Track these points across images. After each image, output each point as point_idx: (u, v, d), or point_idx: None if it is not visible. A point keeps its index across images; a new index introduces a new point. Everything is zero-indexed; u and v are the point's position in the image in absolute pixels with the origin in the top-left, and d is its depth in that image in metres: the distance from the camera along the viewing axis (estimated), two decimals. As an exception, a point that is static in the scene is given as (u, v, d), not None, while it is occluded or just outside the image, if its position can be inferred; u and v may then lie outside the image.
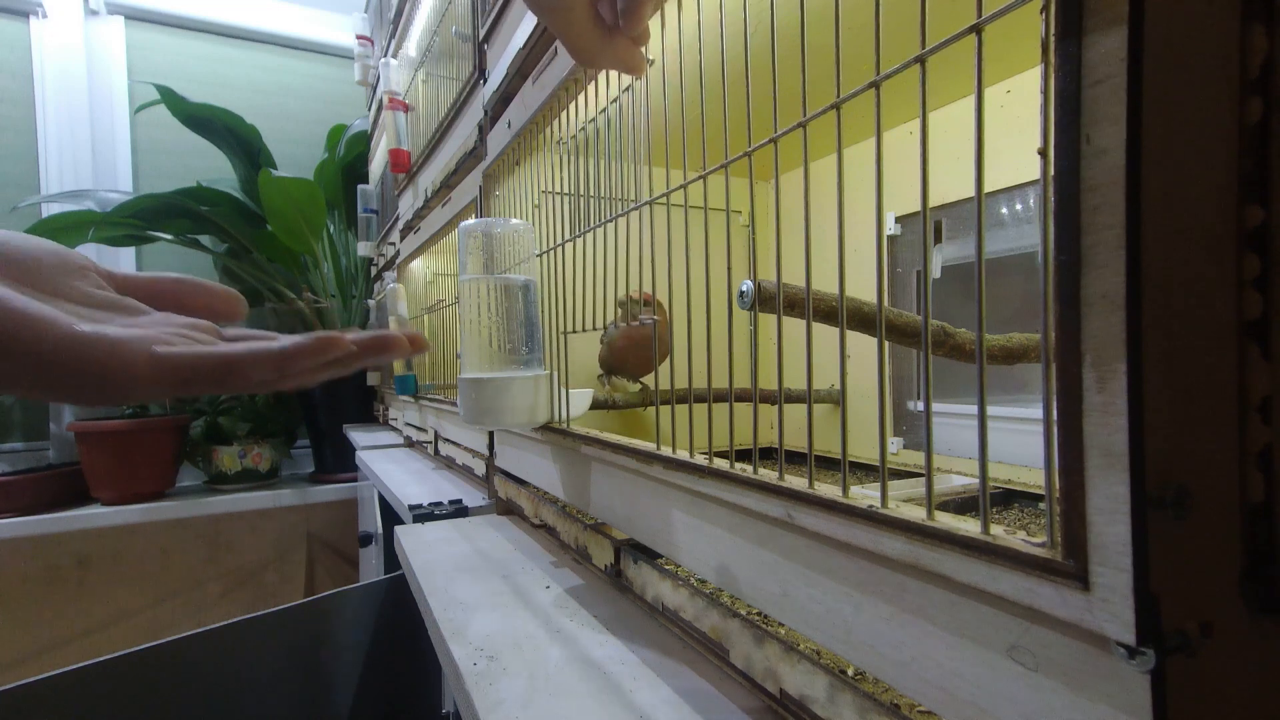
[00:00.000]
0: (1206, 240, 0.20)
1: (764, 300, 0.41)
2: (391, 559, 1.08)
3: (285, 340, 0.26)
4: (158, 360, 0.24)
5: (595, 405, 0.81)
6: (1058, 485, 0.21)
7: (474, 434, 0.95)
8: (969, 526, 0.24)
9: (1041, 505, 0.66)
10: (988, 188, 0.71)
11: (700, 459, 0.40)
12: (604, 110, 0.50)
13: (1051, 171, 0.20)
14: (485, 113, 0.79)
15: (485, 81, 0.79)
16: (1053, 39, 0.20)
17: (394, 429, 1.67)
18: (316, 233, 1.92)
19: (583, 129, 0.53)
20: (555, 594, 0.56)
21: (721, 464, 0.38)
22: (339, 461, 1.91)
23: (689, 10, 0.41)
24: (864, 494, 0.29)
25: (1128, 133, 0.18)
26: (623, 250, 0.48)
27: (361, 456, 1.36)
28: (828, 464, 0.93)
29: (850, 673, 0.32)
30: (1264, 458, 0.21)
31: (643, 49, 0.39)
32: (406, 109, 1.29)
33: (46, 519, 1.49)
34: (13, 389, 0.23)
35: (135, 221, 1.81)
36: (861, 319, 0.50)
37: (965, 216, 0.76)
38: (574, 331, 0.57)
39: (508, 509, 0.84)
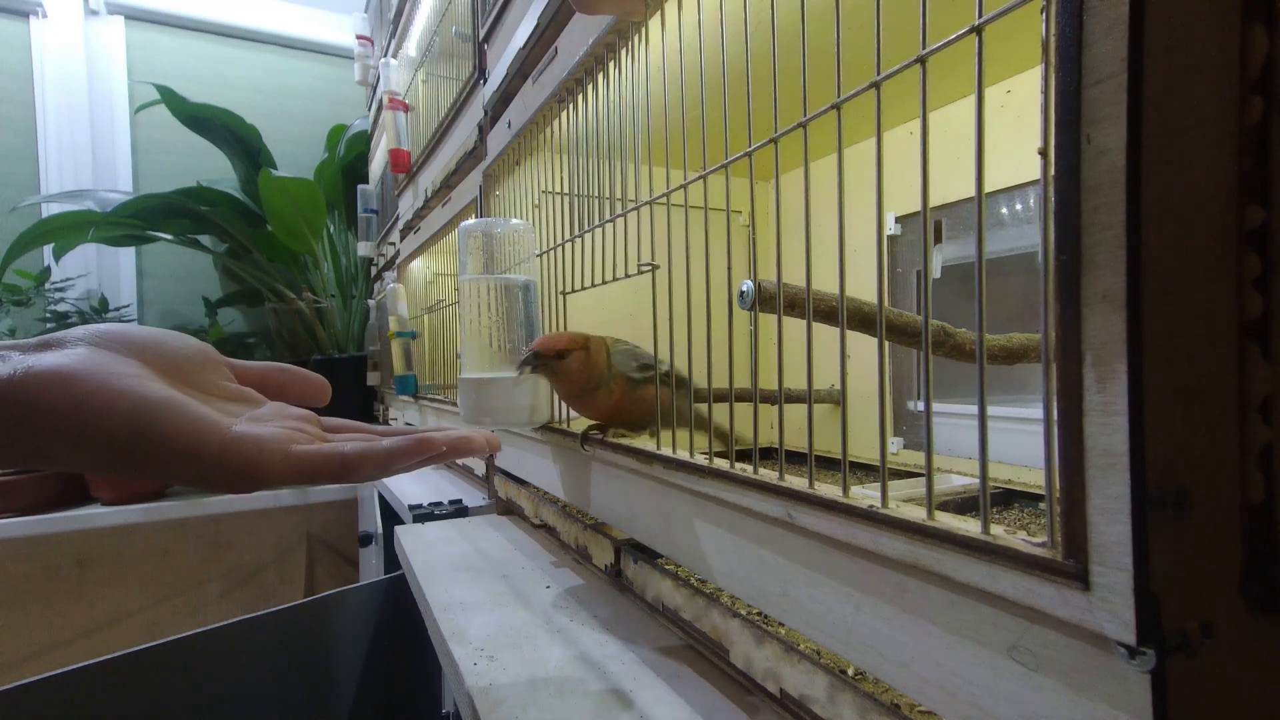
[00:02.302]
0: (1206, 240, 0.20)
1: (764, 300, 0.41)
2: (391, 559, 1.08)
3: (388, 442, 0.29)
4: (291, 458, 0.27)
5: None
6: (1058, 485, 0.21)
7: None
8: (969, 526, 0.24)
9: (1041, 505, 0.66)
10: (988, 188, 0.71)
11: (700, 459, 0.40)
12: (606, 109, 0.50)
13: (1051, 171, 0.20)
14: (485, 113, 0.79)
15: (485, 81, 0.79)
16: (1053, 39, 0.20)
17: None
18: (316, 233, 1.92)
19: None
20: (555, 594, 0.56)
21: (721, 464, 0.38)
22: (339, 461, 1.90)
23: (689, 10, 0.41)
24: (864, 494, 0.29)
25: (1128, 133, 0.18)
26: (622, 250, 0.48)
27: (361, 456, 1.36)
28: (828, 464, 0.93)
29: (850, 673, 0.32)
30: (1264, 458, 0.21)
31: None
32: (406, 109, 1.29)
33: (46, 519, 1.49)
34: (173, 481, 0.27)
35: (135, 221, 1.81)
36: (861, 319, 0.50)
37: (965, 216, 0.76)
38: (572, 291, 0.57)
39: (508, 509, 0.84)
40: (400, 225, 1.38)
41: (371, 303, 1.78)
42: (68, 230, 1.78)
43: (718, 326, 0.39)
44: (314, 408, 0.35)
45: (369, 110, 1.98)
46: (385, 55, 1.54)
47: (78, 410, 0.24)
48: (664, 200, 0.43)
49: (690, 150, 0.43)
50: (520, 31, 0.63)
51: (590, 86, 0.53)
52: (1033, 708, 0.22)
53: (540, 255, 0.63)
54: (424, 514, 0.83)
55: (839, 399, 0.92)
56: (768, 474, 0.34)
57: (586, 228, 0.53)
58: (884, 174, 0.28)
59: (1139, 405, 0.18)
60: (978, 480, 0.23)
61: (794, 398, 0.91)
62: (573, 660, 0.44)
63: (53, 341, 0.27)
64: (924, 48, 0.25)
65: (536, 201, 0.65)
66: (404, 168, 1.28)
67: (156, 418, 0.25)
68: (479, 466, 0.94)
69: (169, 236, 1.92)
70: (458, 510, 0.84)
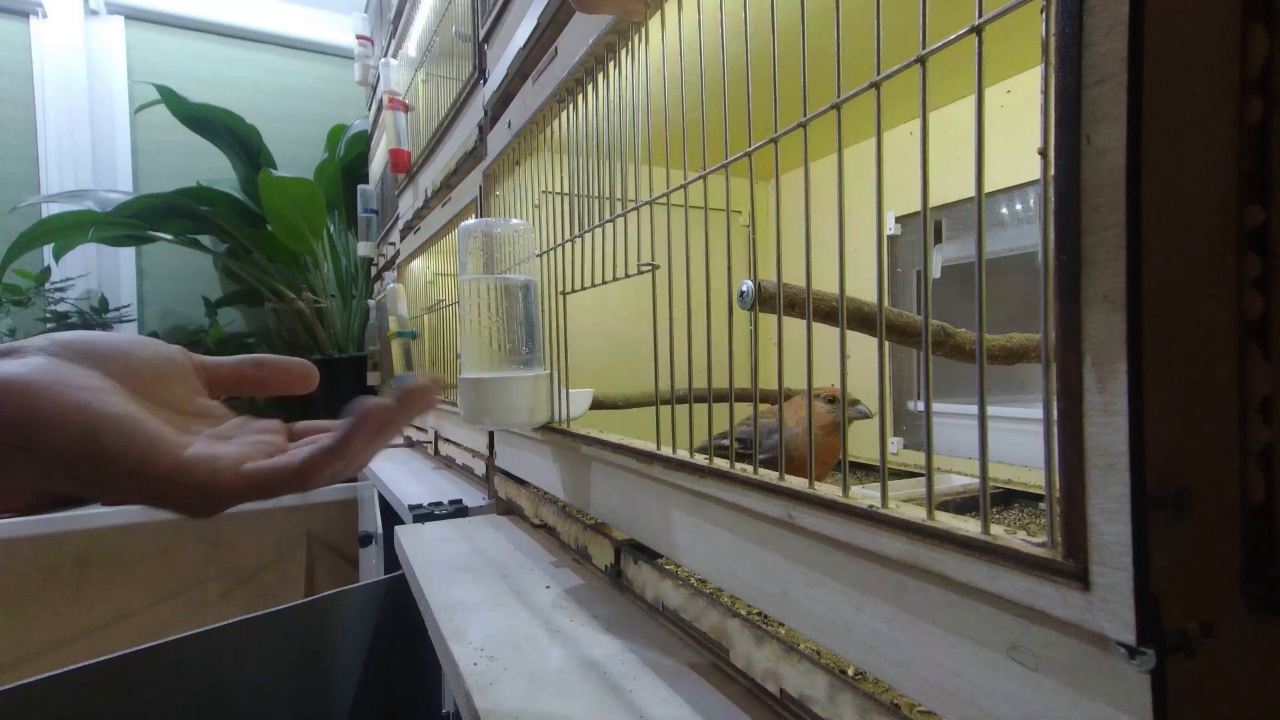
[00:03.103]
0: (1206, 240, 0.20)
1: (764, 300, 0.41)
2: (391, 559, 1.08)
3: (336, 433, 0.28)
4: (243, 477, 0.26)
5: (596, 405, 0.81)
6: (1058, 485, 0.21)
7: (474, 434, 0.95)
8: (969, 526, 0.24)
9: (1041, 505, 0.66)
10: (988, 188, 0.71)
11: (700, 459, 0.40)
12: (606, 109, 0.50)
13: (1051, 171, 0.20)
14: (485, 113, 0.79)
15: (485, 81, 0.79)
16: (1053, 39, 0.20)
17: (394, 429, 1.67)
18: (316, 233, 1.92)
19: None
20: (555, 594, 0.56)
21: (721, 464, 0.38)
22: (339, 461, 1.90)
23: (689, 10, 0.41)
24: (864, 494, 0.29)
25: (1128, 133, 0.18)
26: (622, 250, 0.48)
27: (361, 456, 1.36)
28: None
29: (850, 672, 0.32)
30: (1264, 458, 0.21)
31: None
32: (406, 109, 1.29)
33: (46, 519, 1.49)
34: (126, 501, 0.25)
35: (135, 221, 1.81)
36: (861, 319, 0.50)
37: (965, 216, 0.76)
38: (573, 291, 0.57)
39: (508, 509, 0.84)
40: (400, 225, 1.38)
41: (371, 303, 1.78)
42: (68, 230, 1.78)
43: (718, 326, 0.39)
44: (302, 395, 0.34)
45: (369, 110, 1.98)
46: (385, 55, 1.53)
47: (27, 423, 0.23)
48: (664, 200, 0.43)
49: (690, 150, 0.43)
50: (520, 31, 0.63)
51: (590, 86, 0.53)
52: (1033, 708, 0.22)
53: (540, 255, 0.63)
54: (424, 514, 0.83)
55: (839, 398, 0.92)
56: (768, 474, 0.34)
57: (586, 228, 0.53)
58: (884, 174, 0.28)
59: (1139, 405, 0.18)
60: (978, 480, 0.23)
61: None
62: (573, 660, 0.44)
63: (10, 350, 0.26)
64: (924, 48, 0.25)
65: (536, 201, 0.65)
66: (404, 168, 1.28)
67: (108, 435, 0.24)
68: (479, 466, 0.94)
69: (169, 236, 1.92)
70: (458, 510, 0.84)
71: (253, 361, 0.34)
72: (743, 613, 0.39)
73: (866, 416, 0.65)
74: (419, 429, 1.36)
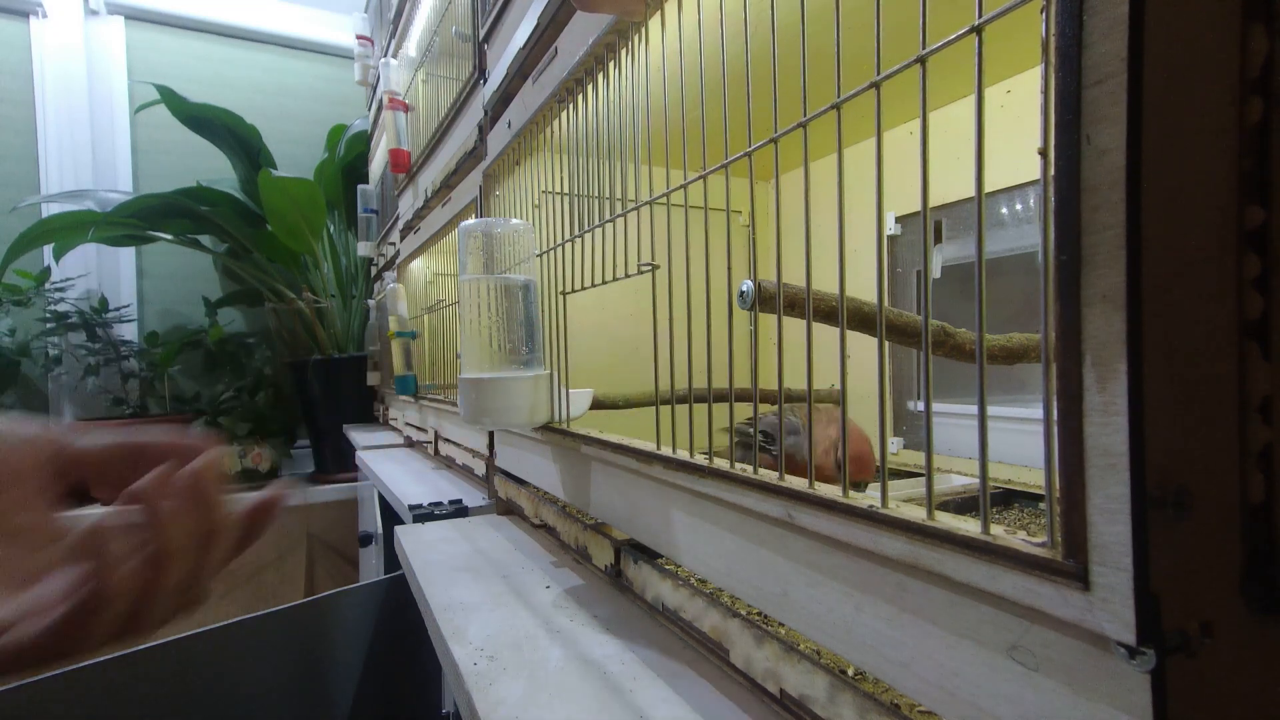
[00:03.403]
0: (1206, 240, 0.20)
1: (764, 300, 0.41)
2: (391, 559, 1.08)
3: (60, 611, 0.22)
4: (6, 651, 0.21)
5: (596, 405, 0.81)
6: (1058, 485, 0.21)
7: (474, 434, 0.95)
8: (969, 526, 0.24)
9: (1041, 505, 0.66)
10: (988, 188, 0.71)
11: (700, 459, 0.40)
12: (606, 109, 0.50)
13: (1051, 171, 0.20)
14: (485, 113, 0.79)
15: (485, 81, 0.79)
16: (1053, 39, 0.20)
17: (394, 429, 1.67)
18: (316, 233, 1.92)
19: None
20: (555, 594, 0.56)
21: (721, 464, 0.38)
22: (339, 461, 1.90)
23: (689, 10, 0.41)
24: (864, 494, 0.29)
25: (1128, 133, 0.18)
26: (622, 250, 0.48)
27: (361, 456, 1.36)
28: (828, 464, 0.93)
29: (850, 672, 0.32)
30: (1264, 458, 0.21)
31: None
32: (406, 109, 1.29)
33: (46, 519, 1.49)
34: None
35: (135, 221, 1.81)
36: (861, 319, 0.50)
37: (965, 216, 0.76)
38: (573, 291, 0.57)
39: (508, 509, 0.84)
40: (400, 225, 1.38)
41: (371, 303, 1.78)
42: (68, 230, 1.78)
43: (718, 326, 0.39)
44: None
45: (369, 110, 1.98)
46: (385, 55, 1.53)
47: None
48: (664, 200, 0.43)
49: (690, 150, 0.43)
50: (520, 31, 0.63)
51: (590, 86, 0.53)
52: (1033, 708, 0.22)
53: (540, 255, 0.63)
54: (424, 514, 0.83)
55: (839, 399, 0.92)
56: (768, 474, 0.34)
57: (586, 228, 0.53)
58: (884, 174, 0.28)
59: (1139, 405, 0.18)
60: (978, 480, 0.23)
61: (794, 398, 0.90)
62: (573, 660, 0.44)
63: None
64: (924, 48, 0.25)
65: (536, 201, 0.65)
66: (404, 168, 1.28)
67: None
68: (479, 466, 0.94)
69: (169, 236, 1.92)
70: (458, 510, 0.84)
71: (126, 449, 0.27)
72: (743, 613, 0.39)
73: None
74: (418, 429, 1.36)
